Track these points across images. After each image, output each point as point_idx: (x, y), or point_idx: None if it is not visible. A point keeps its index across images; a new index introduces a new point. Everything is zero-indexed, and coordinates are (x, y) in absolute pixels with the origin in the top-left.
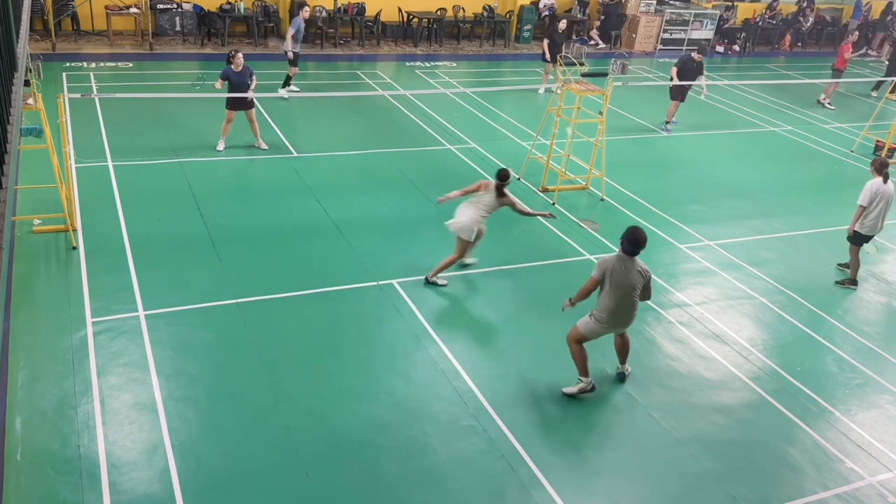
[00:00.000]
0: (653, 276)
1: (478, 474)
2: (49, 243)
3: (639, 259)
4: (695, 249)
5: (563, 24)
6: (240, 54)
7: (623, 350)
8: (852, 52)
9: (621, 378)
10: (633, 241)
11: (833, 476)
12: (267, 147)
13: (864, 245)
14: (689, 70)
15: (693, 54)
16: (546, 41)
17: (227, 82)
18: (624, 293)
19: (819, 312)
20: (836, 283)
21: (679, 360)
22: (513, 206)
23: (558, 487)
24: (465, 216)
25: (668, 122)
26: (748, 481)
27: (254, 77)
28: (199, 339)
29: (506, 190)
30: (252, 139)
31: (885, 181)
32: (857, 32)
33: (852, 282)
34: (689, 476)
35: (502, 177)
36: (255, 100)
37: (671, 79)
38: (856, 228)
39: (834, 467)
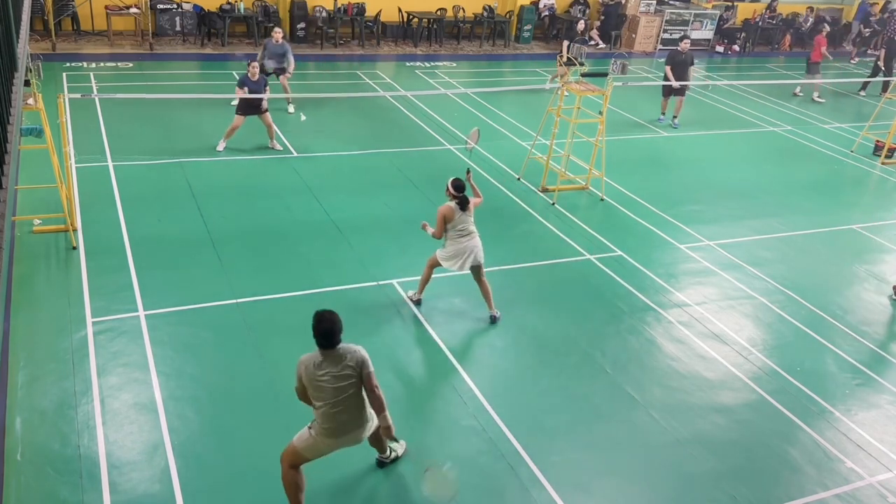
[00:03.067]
0: (651, 274)
1: (478, 474)
2: (49, 243)
3: (343, 346)
4: (695, 249)
5: (581, 26)
6: (255, 64)
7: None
8: (826, 46)
9: None
10: (321, 332)
11: (833, 476)
12: (281, 148)
13: None
14: (679, 64)
15: (679, 45)
16: (566, 42)
17: (245, 89)
18: (332, 395)
19: (819, 312)
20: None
21: (679, 360)
22: (476, 205)
23: (558, 487)
24: (478, 245)
25: (663, 115)
26: (748, 481)
27: (267, 88)
28: (199, 339)
29: (467, 197)
30: (262, 140)
31: None
32: (827, 27)
33: None
34: (689, 476)
35: (459, 187)
36: (267, 104)
37: (665, 78)
38: None
39: (834, 467)
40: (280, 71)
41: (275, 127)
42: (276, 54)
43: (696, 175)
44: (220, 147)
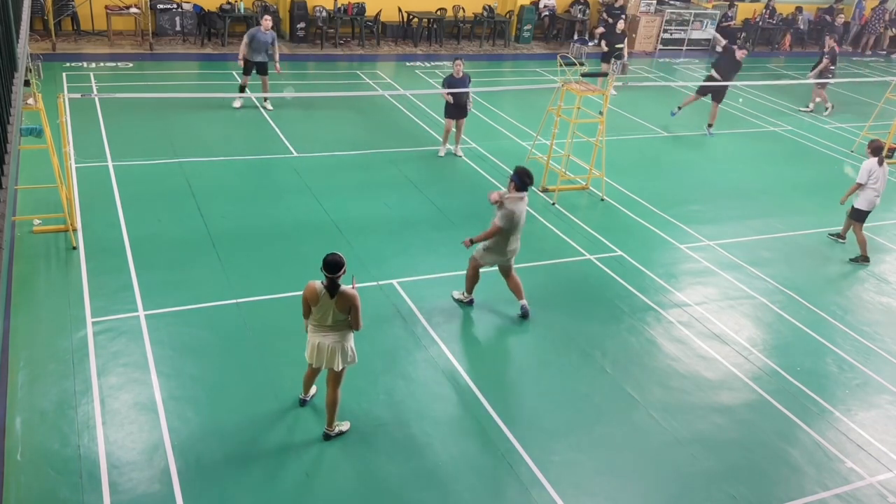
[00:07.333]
0: (651, 274)
1: (478, 474)
2: (49, 243)
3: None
4: (695, 249)
5: (621, 25)
6: (459, 62)
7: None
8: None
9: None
10: (526, 175)
11: (833, 476)
12: (461, 155)
13: None
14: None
15: (737, 53)
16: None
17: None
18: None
19: (819, 312)
20: (850, 259)
21: (679, 360)
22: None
23: (558, 487)
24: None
25: (710, 126)
26: (748, 481)
27: (469, 81)
28: (199, 339)
29: (339, 283)
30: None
31: (881, 164)
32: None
33: (865, 258)
34: (689, 476)
35: (336, 264)
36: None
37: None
38: (855, 205)
39: (834, 467)
40: (262, 67)
41: (462, 135)
42: (263, 43)
43: (697, 175)
44: (442, 153)
